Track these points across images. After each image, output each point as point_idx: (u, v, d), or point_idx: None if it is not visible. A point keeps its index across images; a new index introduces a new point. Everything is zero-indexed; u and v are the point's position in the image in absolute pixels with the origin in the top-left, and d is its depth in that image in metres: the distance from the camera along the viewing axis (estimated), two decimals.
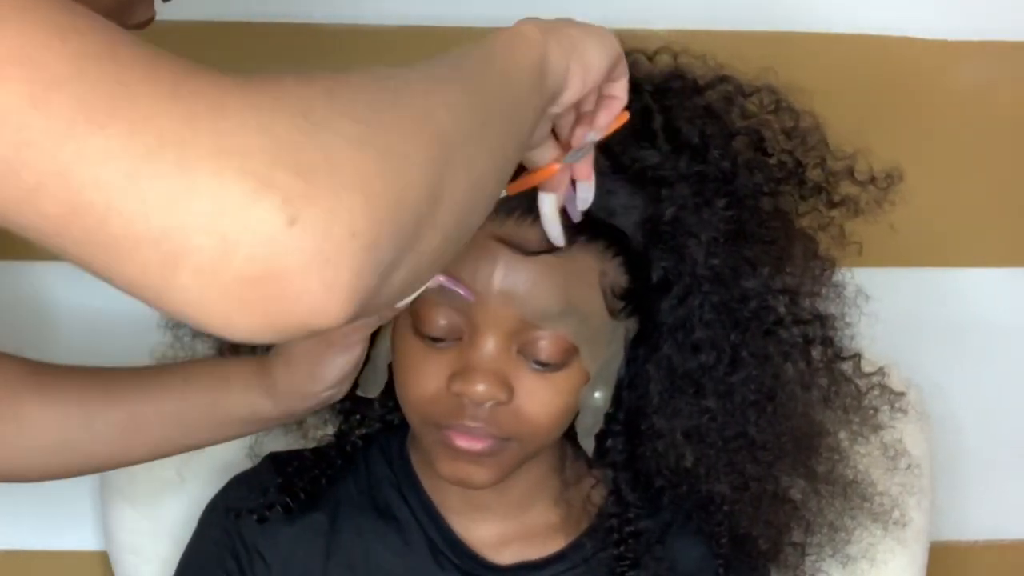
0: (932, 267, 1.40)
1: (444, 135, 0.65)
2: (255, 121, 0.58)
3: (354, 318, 0.60)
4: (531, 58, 0.79)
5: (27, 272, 1.37)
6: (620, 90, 0.92)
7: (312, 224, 0.57)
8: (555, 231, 0.94)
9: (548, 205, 0.94)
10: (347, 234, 0.58)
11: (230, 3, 1.28)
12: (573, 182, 0.94)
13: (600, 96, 0.91)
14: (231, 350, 1.13)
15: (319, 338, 0.98)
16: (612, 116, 0.92)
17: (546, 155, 0.92)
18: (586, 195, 0.94)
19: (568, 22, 0.86)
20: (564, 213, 0.95)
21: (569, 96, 0.85)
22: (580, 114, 0.91)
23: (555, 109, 0.86)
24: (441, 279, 0.95)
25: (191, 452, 1.09)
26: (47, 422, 1.02)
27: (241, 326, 0.58)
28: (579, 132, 0.91)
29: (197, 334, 1.16)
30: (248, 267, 0.56)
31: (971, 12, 1.35)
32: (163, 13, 0.85)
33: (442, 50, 1.28)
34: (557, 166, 0.91)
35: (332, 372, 1.02)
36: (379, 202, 0.60)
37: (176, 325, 1.16)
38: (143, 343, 1.19)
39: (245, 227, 0.56)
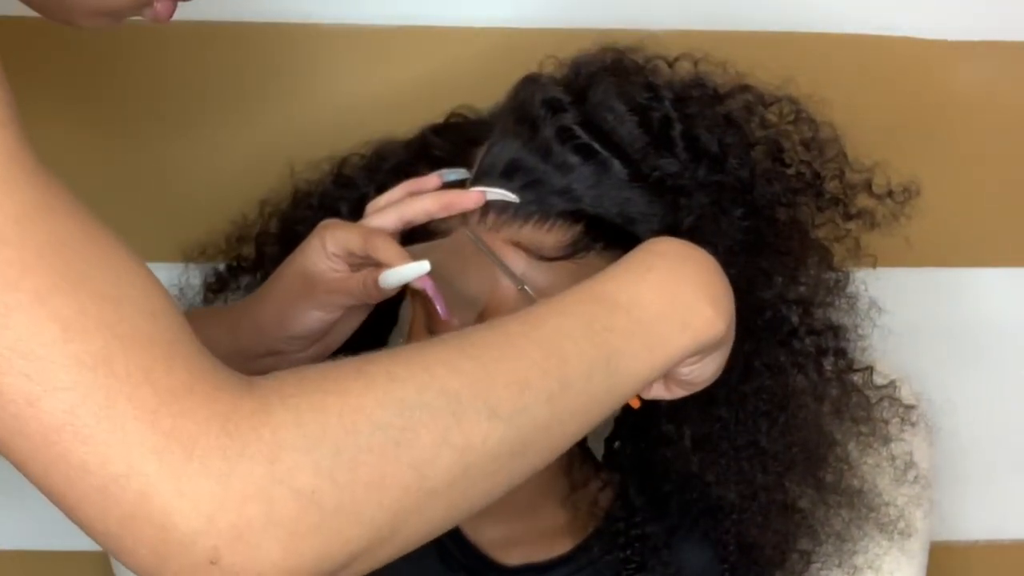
0: (931, 267, 1.40)
1: (425, 483, 0.67)
2: (219, 465, 0.62)
3: None
4: None
5: None
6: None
7: (229, 567, 0.62)
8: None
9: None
10: None
11: (230, 3, 1.27)
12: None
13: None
14: None
15: (304, 280, 0.98)
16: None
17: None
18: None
19: None
20: None
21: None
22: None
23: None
24: (427, 284, 0.93)
25: None
26: None
27: None
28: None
29: None
30: None
31: (971, 12, 1.35)
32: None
33: (441, 50, 1.29)
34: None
35: (300, 321, 0.99)
36: (302, 555, 0.64)
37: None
38: None
39: (177, 558, 0.62)
